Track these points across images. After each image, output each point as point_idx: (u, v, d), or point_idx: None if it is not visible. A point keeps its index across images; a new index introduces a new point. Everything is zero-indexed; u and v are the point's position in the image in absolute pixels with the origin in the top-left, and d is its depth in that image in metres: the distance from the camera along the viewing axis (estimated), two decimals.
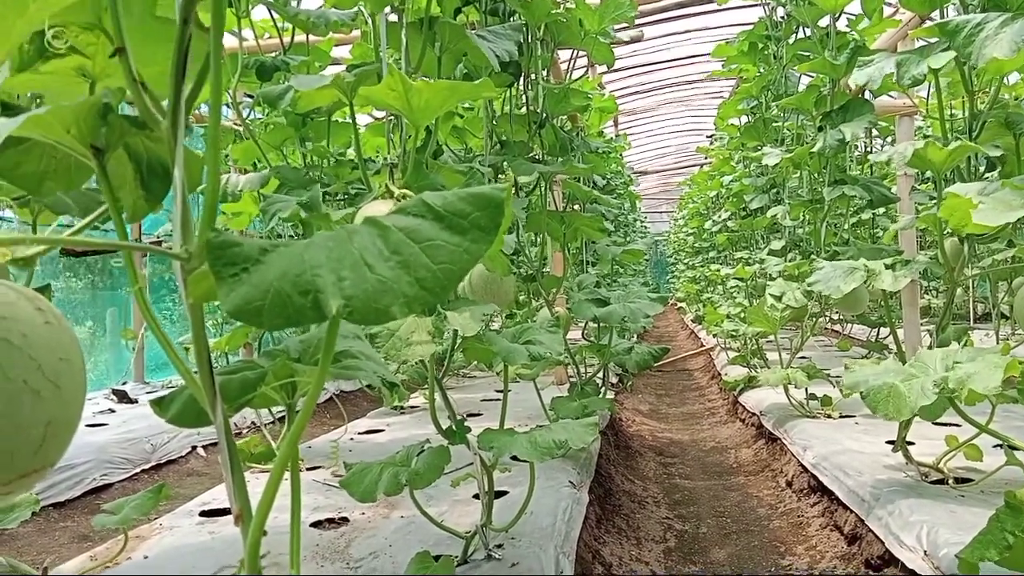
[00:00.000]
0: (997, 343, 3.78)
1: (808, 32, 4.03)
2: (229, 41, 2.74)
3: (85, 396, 0.61)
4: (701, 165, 12.10)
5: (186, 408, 0.81)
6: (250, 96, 3.08)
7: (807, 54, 3.98)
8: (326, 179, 2.52)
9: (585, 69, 3.17)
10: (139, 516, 1.83)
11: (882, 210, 5.31)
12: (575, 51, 3.31)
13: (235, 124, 2.73)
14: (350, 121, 3.12)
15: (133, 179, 0.88)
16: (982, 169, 2.70)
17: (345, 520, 2.34)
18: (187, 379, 0.77)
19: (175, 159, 0.75)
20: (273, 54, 2.76)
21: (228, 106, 2.92)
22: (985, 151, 2.10)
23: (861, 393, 1.47)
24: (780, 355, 4.02)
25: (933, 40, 2.29)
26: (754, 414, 4.25)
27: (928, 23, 2.78)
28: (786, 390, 3.69)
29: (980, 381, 1.23)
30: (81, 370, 0.60)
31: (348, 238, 0.62)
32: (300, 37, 2.89)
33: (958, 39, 1.55)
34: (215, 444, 4.60)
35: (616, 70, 11.65)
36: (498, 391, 4.88)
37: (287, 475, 0.81)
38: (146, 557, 2.05)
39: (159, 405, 0.83)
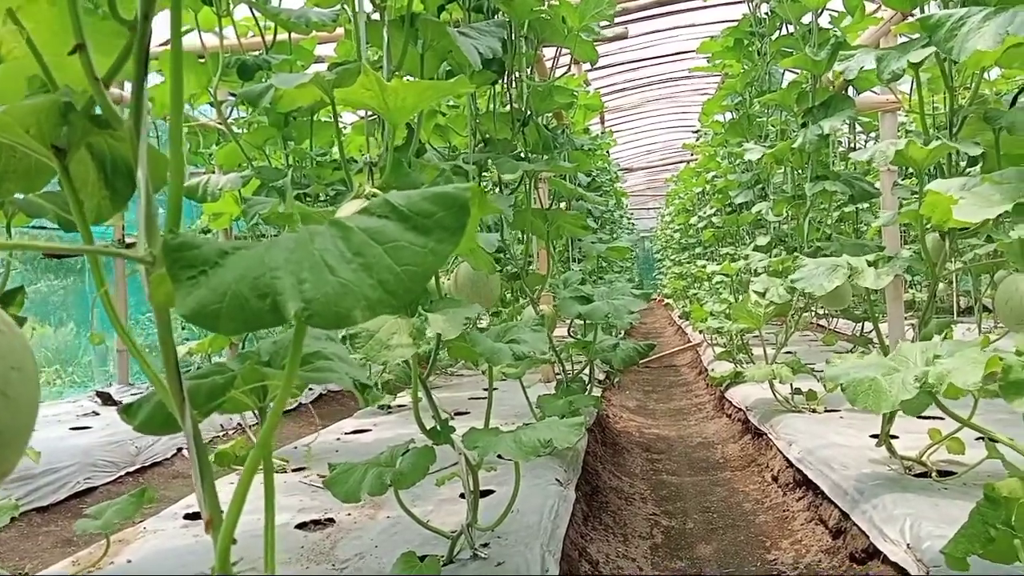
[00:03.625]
0: (980, 336, 3.81)
1: (791, 29, 4.04)
2: (210, 40, 2.72)
3: (38, 405, 0.60)
4: (688, 161, 12.12)
5: (154, 414, 0.79)
6: (234, 95, 3.06)
7: (790, 51, 3.99)
8: (307, 179, 2.50)
9: (568, 67, 3.16)
10: (121, 520, 1.81)
11: (866, 205, 5.34)
12: (559, 48, 3.31)
13: (216, 123, 2.71)
14: (334, 120, 3.12)
15: (97, 179, 0.86)
16: (963, 164, 2.71)
17: (331, 521, 2.33)
18: (155, 384, 0.76)
19: (138, 158, 0.74)
20: (256, 53, 2.74)
21: (211, 105, 2.89)
22: (964, 149, 2.10)
23: (841, 386, 1.48)
24: (765, 350, 4.03)
25: (915, 36, 2.30)
26: (740, 409, 4.26)
27: (910, 20, 2.79)
28: (771, 386, 3.70)
29: (960, 377, 1.23)
30: (34, 379, 0.59)
31: (309, 239, 0.61)
32: (285, 36, 2.86)
33: (940, 33, 1.55)
34: (208, 442, 4.58)
35: (603, 67, 11.64)
36: (486, 389, 4.87)
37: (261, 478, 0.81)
38: (129, 561, 2.03)
39: (127, 411, 0.82)
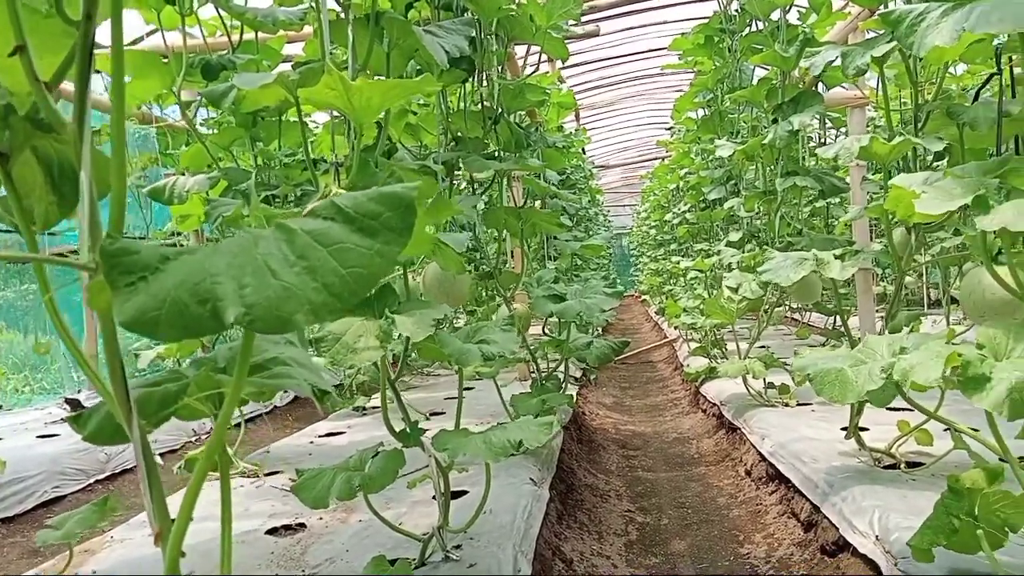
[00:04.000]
0: (953, 329, 3.86)
1: (761, 25, 4.06)
2: (173, 39, 2.67)
3: None
4: (663, 158, 12.18)
5: (104, 424, 0.77)
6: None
7: (760, 47, 4.01)
8: (276, 180, 2.47)
9: (536, 65, 3.15)
10: (84, 530, 1.77)
11: (837, 200, 5.40)
12: (529, 46, 3.30)
13: (177, 123, 2.67)
14: (299, 120, 3.08)
15: (44, 184, 0.84)
16: (931, 160, 2.74)
17: (302, 526, 2.31)
18: (102, 393, 0.74)
19: (82, 161, 0.72)
20: (223, 53, 2.70)
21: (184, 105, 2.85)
22: (927, 144, 2.13)
23: (808, 376, 1.49)
24: (738, 345, 4.06)
25: (881, 32, 2.32)
26: (715, 404, 4.29)
27: (877, 16, 2.81)
28: (744, 380, 3.72)
29: (922, 372, 1.25)
30: None
31: (253, 243, 0.60)
32: (252, 35, 2.82)
33: (901, 28, 1.56)
34: (173, 451, 4.51)
35: (577, 65, 11.66)
36: (463, 388, 4.85)
37: (220, 483, 0.78)
38: (94, 572, 2.00)
39: (77, 421, 0.80)
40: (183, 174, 2.79)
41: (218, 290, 0.57)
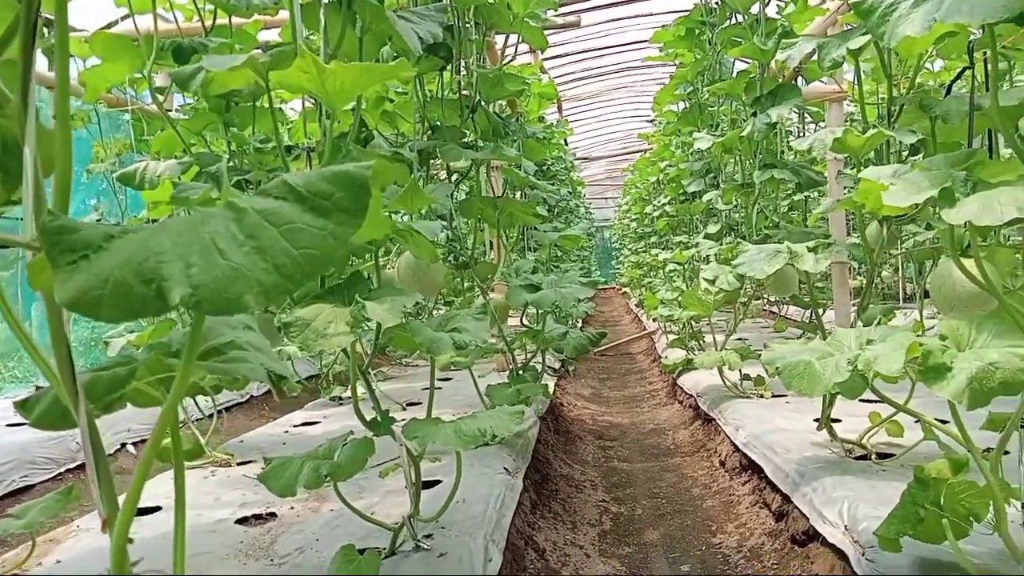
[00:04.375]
0: (921, 320, 3.90)
1: (740, 18, 4.07)
2: (144, 23, 2.62)
3: None
4: (645, 151, 12.20)
5: (51, 409, 0.75)
6: None
7: (739, 40, 4.02)
8: (248, 166, 2.44)
9: (514, 53, 3.14)
10: (47, 519, 1.74)
11: (816, 194, 5.43)
12: (507, 36, 3.28)
13: (149, 108, 2.62)
14: (277, 104, 3.04)
15: None
16: (907, 154, 2.76)
17: (273, 515, 2.29)
18: (48, 377, 0.72)
19: (25, 137, 0.69)
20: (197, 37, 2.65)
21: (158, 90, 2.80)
22: (900, 137, 2.14)
23: (777, 369, 1.49)
24: (715, 337, 4.07)
25: (858, 25, 2.32)
26: (691, 396, 4.31)
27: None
28: (720, 372, 3.74)
29: (884, 363, 1.25)
30: None
31: (201, 222, 0.58)
32: (227, 20, 2.78)
33: (872, 19, 1.56)
34: (144, 442, 4.46)
35: (561, 56, 11.65)
36: (440, 379, 4.85)
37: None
38: (59, 561, 1.97)
39: (24, 406, 0.78)
40: (157, 159, 2.75)
41: (163, 270, 0.55)
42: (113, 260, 0.56)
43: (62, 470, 3.73)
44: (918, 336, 1.29)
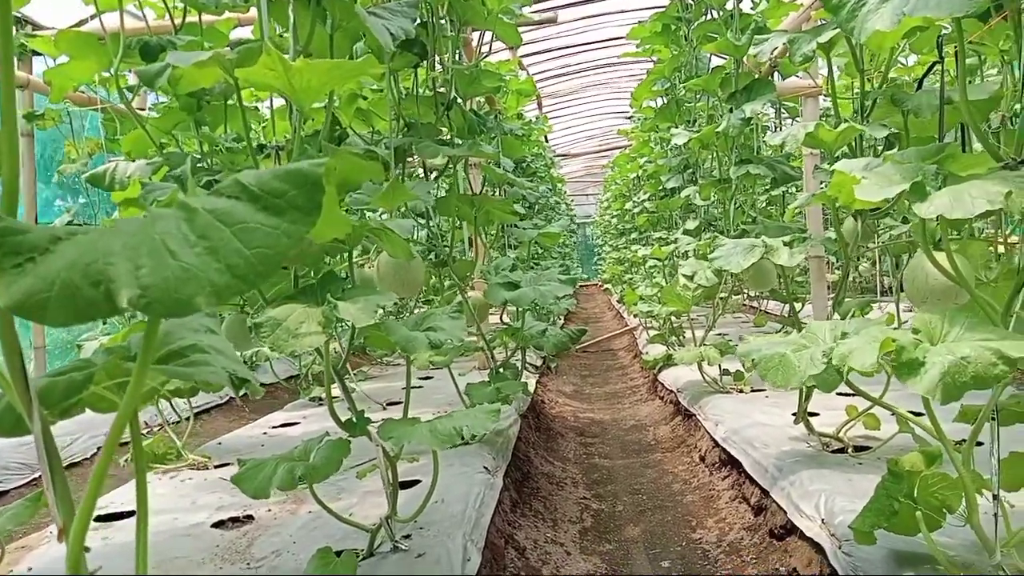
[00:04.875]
0: (897, 314, 3.94)
1: (716, 14, 4.09)
2: (113, 20, 2.58)
3: None
4: (624, 147, 12.23)
5: (3, 416, 0.73)
6: None
7: (715, 36, 4.03)
8: (219, 166, 2.41)
9: (489, 50, 3.12)
10: (15, 527, 1.71)
11: (794, 189, 5.47)
12: (483, 32, 3.26)
13: (118, 107, 2.58)
14: (247, 102, 3.00)
15: None
16: (881, 149, 2.78)
17: (250, 518, 2.27)
18: (1, 383, 0.70)
19: None
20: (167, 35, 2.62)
21: (128, 90, 2.76)
22: (871, 131, 2.15)
23: (752, 361, 1.49)
24: (694, 333, 4.09)
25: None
26: (672, 391, 4.32)
27: None
28: (700, 367, 3.76)
29: (858, 358, 1.25)
30: None
31: (152, 223, 0.57)
32: (197, 18, 2.74)
33: (842, 13, 1.56)
34: (125, 444, 4.41)
35: (539, 52, 11.63)
36: (421, 379, 4.83)
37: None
38: (30, 569, 1.94)
39: None
40: (130, 160, 2.70)
41: (111, 271, 0.54)
42: (60, 262, 0.55)
43: (37, 475, 3.67)
44: (892, 330, 1.30)
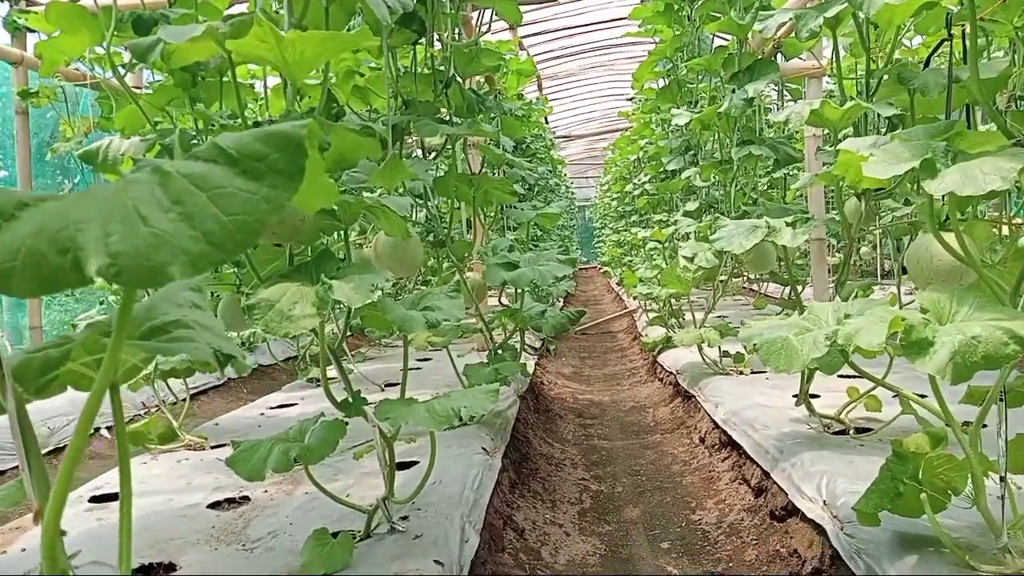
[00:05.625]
0: (899, 296, 3.91)
1: None
2: None
3: None
4: (625, 130, 12.14)
5: None
6: None
7: (718, 15, 3.97)
8: None
9: (489, 27, 3.07)
10: (7, 507, 1.69)
11: (795, 170, 5.42)
12: (482, 11, 3.21)
13: (111, 82, 2.54)
14: (244, 80, 2.95)
15: None
16: (885, 129, 2.73)
17: (246, 499, 2.25)
18: None
19: None
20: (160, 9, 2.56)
21: (123, 66, 2.71)
22: (878, 110, 2.11)
23: (754, 345, 1.46)
24: (694, 315, 4.06)
25: None
26: (671, 373, 4.30)
27: None
28: (700, 349, 3.73)
29: (865, 337, 1.22)
30: None
31: (124, 188, 0.53)
32: None
33: None
34: (131, 421, 4.38)
35: (541, 33, 11.52)
36: (419, 360, 4.80)
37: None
38: (23, 550, 1.92)
39: None
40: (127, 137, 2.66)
41: (80, 238, 0.51)
42: (25, 229, 0.51)
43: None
44: (898, 310, 1.27)
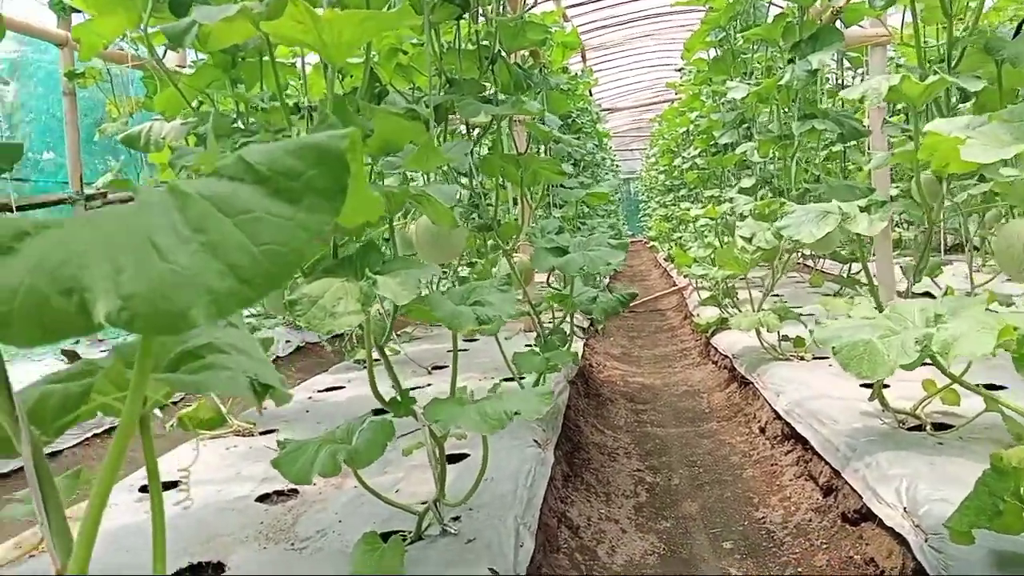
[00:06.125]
0: (970, 278, 3.69)
1: None
2: None
3: None
4: (672, 101, 11.82)
5: None
6: None
7: None
8: (255, 127, 2.30)
9: (535, 1, 2.94)
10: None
11: (853, 144, 5.17)
12: None
13: (148, 64, 2.48)
14: (285, 59, 2.87)
15: None
16: (955, 101, 2.54)
17: (295, 492, 2.21)
18: None
19: None
20: None
21: (163, 46, 2.66)
22: (963, 84, 1.93)
23: (833, 349, 1.34)
24: (751, 295, 3.91)
25: None
26: (726, 356, 4.16)
27: None
28: (758, 334, 3.59)
29: (968, 346, 1.10)
30: None
31: (137, 213, 0.45)
32: None
33: None
34: (175, 403, 4.40)
35: (583, 3, 11.26)
36: (466, 340, 4.74)
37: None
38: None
39: None
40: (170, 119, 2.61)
41: (85, 276, 0.42)
42: (23, 265, 0.43)
43: (89, 435, 3.67)
44: (1001, 314, 1.13)
